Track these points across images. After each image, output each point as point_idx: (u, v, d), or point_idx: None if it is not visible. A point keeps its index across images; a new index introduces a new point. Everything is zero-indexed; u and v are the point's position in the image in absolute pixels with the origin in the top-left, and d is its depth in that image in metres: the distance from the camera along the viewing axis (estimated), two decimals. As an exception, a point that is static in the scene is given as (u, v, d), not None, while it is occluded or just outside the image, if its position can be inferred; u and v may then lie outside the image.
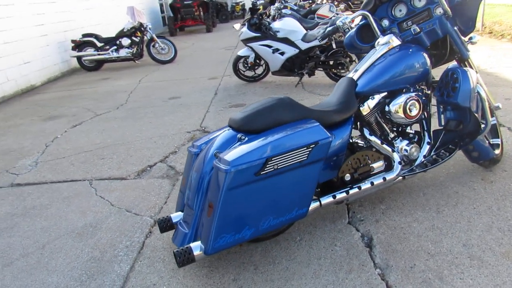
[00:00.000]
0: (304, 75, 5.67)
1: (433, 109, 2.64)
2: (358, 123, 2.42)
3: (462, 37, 2.48)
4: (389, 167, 2.38)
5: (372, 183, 2.28)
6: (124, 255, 2.28)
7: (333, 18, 3.99)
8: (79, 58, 8.60)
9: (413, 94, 2.34)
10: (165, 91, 6.27)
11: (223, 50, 9.98)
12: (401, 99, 2.30)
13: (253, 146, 1.85)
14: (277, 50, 5.54)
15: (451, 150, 2.49)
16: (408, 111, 2.30)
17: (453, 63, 2.58)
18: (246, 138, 1.95)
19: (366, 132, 2.37)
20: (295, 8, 9.56)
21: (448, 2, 2.39)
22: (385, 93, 2.36)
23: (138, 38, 8.72)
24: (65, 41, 8.72)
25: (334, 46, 5.36)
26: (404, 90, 2.38)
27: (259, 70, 6.22)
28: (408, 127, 2.49)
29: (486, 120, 2.43)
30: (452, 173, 2.79)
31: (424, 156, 2.45)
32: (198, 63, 8.55)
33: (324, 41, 5.23)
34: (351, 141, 2.44)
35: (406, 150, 2.38)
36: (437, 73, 2.49)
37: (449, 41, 2.48)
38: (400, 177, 2.37)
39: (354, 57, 5.37)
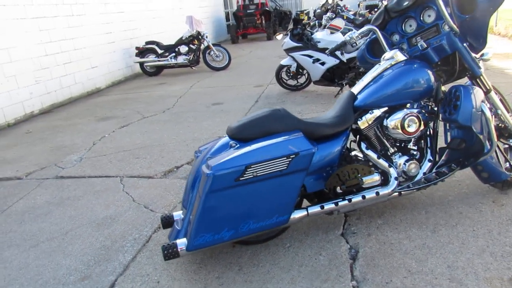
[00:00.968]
0: (344, 86, 5.66)
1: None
2: (358, 136, 2.45)
3: (473, 54, 2.41)
4: (386, 182, 2.38)
5: (363, 197, 2.29)
6: (130, 246, 2.52)
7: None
8: (141, 64, 9.25)
9: (414, 110, 2.32)
10: (210, 97, 6.58)
11: (277, 58, 10.14)
12: (399, 115, 2.30)
13: (236, 153, 1.98)
14: (317, 60, 5.59)
15: (452, 169, 2.42)
16: (406, 127, 2.29)
17: (466, 80, 2.51)
18: (237, 146, 2.09)
19: (363, 146, 2.39)
20: (352, 17, 9.49)
21: (456, 18, 2.34)
22: (386, 108, 2.36)
23: (195, 45, 9.18)
24: (130, 48, 9.44)
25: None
26: (408, 106, 2.38)
27: (302, 79, 6.30)
28: (411, 143, 2.46)
29: (492, 141, 2.33)
30: (464, 193, 2.69)
31: (424, 173, 2.40)
32: (249, 71, 8.81)
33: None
34: (351, 154, 2.47)
35: (404, 166, 2.36)
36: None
37: (458, 57, 2.42)
38: (396, 193, 2.36)
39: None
